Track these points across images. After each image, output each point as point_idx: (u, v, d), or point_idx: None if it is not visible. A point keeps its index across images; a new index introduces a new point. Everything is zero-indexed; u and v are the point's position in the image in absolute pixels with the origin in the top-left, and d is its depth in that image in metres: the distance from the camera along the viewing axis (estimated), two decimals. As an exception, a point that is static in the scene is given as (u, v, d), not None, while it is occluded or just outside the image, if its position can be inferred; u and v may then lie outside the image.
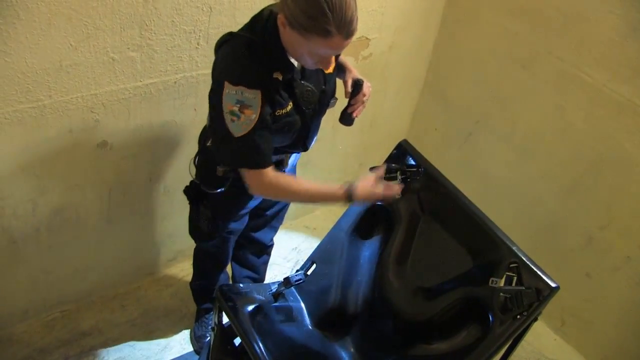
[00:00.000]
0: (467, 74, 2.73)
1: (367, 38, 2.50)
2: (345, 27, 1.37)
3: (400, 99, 2.95)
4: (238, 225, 1.97)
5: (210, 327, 2.23)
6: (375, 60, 2.62)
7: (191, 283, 2.26)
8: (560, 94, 2.34)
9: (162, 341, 2.27)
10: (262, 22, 1.50)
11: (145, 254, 2.44)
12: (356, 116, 1.73)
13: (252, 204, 1.90)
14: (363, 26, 2.44)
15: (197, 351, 2.26)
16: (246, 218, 1.99)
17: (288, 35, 1.44)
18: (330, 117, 1.88)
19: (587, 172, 2.33)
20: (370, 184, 1.66)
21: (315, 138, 1.79)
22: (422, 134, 3.03)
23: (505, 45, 2.50)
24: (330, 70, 1.69)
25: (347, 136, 2.83)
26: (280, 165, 1.76)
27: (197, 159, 1.79)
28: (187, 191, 1.85)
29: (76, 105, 1.83)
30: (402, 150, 1.83)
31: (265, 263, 2.36)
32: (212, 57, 1.99)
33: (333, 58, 1.61)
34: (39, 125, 1.79)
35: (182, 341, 2.29)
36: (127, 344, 2.23)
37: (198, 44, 1.96)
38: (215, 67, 1.58)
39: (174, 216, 2.39)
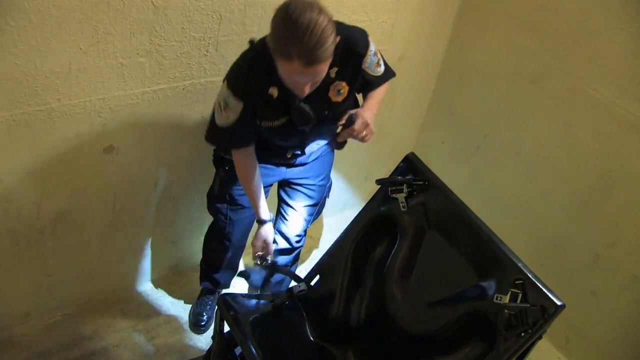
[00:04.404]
0: (475, 87, 2.72)
1: (376, 49, 2.49)
2: (305, 55, 1.39)
3: (408, 112, 2.94)
4: (236, 215, 2.08)
5: (207, 307, 2.38)
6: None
7: (200, 261, 2.37)
8: (569, 110, 2.33)
9: (162, 348, 2.26)
10: None
11: (148, 259, 2.44)
12: (341, 141, 1.81)
13: None
14: (372, 38, 2.43)
15: (191, 328, 2.37)
16: (248, 212, 2.06)
17: None
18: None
19: (595, 189, 2.31)
20: (266, 239, 1.94)
21: (315, 142, 1.91)
22: (429, 147, 3.02)
23: (514, 60, 2.50)
24: (339, 99, 1.73)
25: (354, 148, 2.82)
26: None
27: None
28: (214, 153, 2.03)
29: (84, 109, 1.83)
30: (409, 163, 1.83)
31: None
32: (221, 65, 2.01)
33: (308, 87, 1.56)
34: (46, 128, 1.80)
35: (182, 348, 2.28)
36: (127, 349, 2.22)
37: (207, 52, 1.96)
38: None
39: (178, 223, 2.39)
